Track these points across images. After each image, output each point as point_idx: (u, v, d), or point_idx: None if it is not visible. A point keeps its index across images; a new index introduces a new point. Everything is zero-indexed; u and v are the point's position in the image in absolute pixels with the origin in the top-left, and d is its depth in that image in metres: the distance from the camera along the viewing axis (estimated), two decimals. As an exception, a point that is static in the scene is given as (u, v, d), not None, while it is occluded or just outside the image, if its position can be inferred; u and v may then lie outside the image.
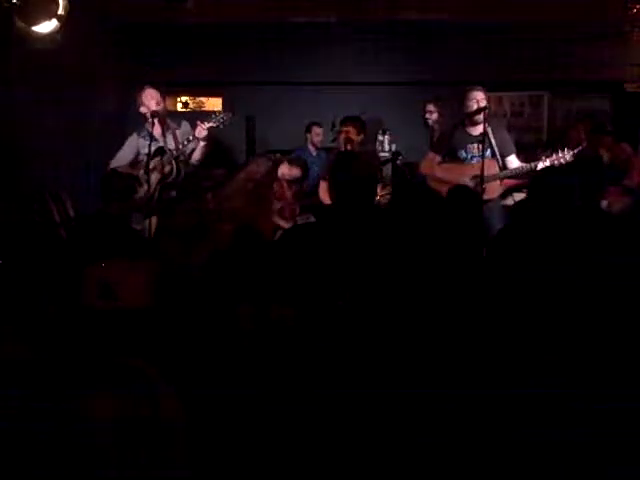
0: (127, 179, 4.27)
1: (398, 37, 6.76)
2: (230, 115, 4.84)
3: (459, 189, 3.90)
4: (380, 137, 6.95)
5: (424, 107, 6.45)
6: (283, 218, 5.19)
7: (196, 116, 6.65)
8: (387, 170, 6.32)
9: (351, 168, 2.76)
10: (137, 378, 1.10)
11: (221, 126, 4.81)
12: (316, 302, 1.93)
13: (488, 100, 4.92)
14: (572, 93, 7.41)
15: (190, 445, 1.14)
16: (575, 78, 7.05)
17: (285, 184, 5.37)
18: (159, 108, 4.85)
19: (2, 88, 5.03)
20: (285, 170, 5.36)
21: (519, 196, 5.14)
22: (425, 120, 6.46)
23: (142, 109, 4.88)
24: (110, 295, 1.65)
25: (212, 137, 4.93)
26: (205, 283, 2.67)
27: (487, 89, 4.99)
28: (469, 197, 3.29)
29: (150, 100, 4.84)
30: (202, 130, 4.75)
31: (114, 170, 4.51)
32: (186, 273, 2.76)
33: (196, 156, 4.91)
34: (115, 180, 4.06)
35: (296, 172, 5.50)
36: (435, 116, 6.35)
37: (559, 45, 6.59)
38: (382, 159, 6.65)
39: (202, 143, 4.83)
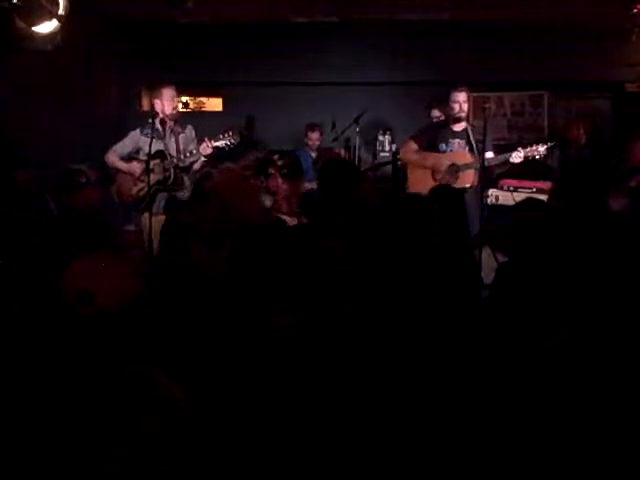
0: (73, 173, 4.28)
1: (398, 37, 6.76)
2: (238, 138, 4.83)
3: (442, 188, 3.93)
4: (380, 137, 6.96)
5: (428, 114, 6.43)
6: (283, 213, 5.23)
7: (196, 116, 6.67)
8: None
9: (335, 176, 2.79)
10: (145, 387, 1.09)
11: (226, 148, 4.80)
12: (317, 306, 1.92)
13: (468, 98, 5.00)
14: (572, 93, 7.41)
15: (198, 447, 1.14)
16: (575, 78, 7.04)
17: (279, 178, 5.42)
18: (175, 111, 4.86)
19: (2, 88, 5.04)
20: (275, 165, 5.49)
21: (519, 196, 5.14)
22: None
23: (158, 105, 4.87)
24: (89, 300, 1.63)
25: (214, 155, 4.92)
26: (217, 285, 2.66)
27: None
28: (452, 196, 3.29)
29: (169, 101, 4.84)
30: (207, 148, 4.75)
31: (67, 168, 4.50)
32: (205, 275, 2.75)
33: (196, 167, 4.94)
34: (63, 174, 4.11)
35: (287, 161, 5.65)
36: (443, 119, 6.34)
37: (560, 45, 6.58)
38: (382, 159, 6.67)
39: (203, 158, 4.85)
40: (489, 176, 5.14)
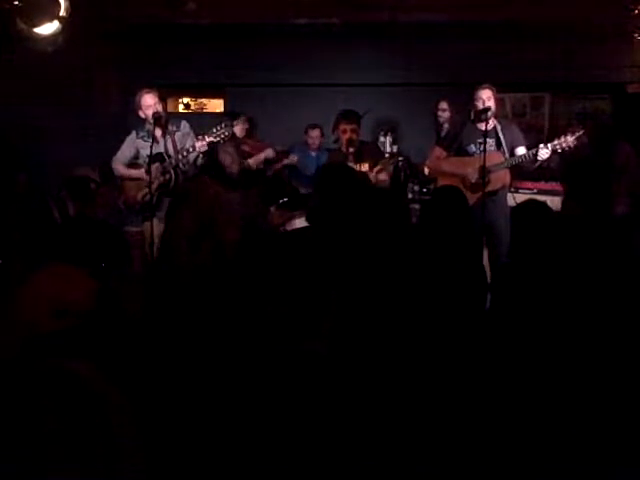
0: (83, 181, 4.28)
1: (399, 38, 6.76)
2: (232, 130, 4.86)
3: (444, 189, 3.93)
4: (382, 138, 6.94)
5: (436, 105, 6.43)
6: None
7: (197, 117, 6.68)
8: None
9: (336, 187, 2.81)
10: (78, 384, 1.07)
11: (221, 141, 4.82)
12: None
13: (494, 96, 4.94)
14: (573, 94, 7.41)
15: (150, 444, 1.12)
16: (576, 79, 7.04)
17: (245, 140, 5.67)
18: (157, 111, 4.82)
19: (3, 89, 5.04)
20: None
21: (520, 197, 5.13)
22: (436, 117, 6.45)
23: (141, 114, 4.87)
24: (65, 314, 1.63)
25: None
26: (213, 281, 2.66)
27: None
28: (454, 196, 3.29)
29: (148, 106, 4.81)
30: (203, 145, 4.77)
31: (71, 175, 4.51)
32: (192, 271, 2.76)
33: (198, 162, 4.95)
34: (72, 183, 4.10)
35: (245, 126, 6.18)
36: (447, 114, 6.35)
37: (560, 46, 6.58)
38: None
39: (202, 154, 4.87)
40: (524, 172, 5.04)
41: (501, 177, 4.87)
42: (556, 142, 4.68)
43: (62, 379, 1.05)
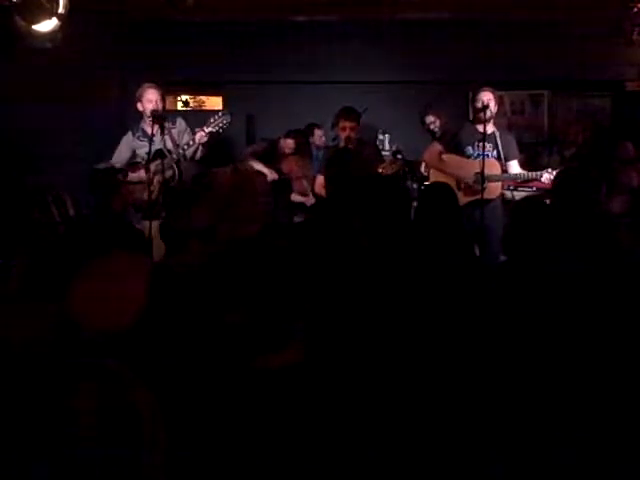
0: (108, 174, 4.27)
1: (399, 36, 6.76)
2: (229, 119, 4.84)
3: (435, 185, 3.94)
4: (381, 136, 6.94)
5: (423, 119, 6.40)
6: (298, 194, 5.63)
7: (196, 115, 6.67)
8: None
9: (346, 165, 2.78)
10: (112, 379, 1.08)
11: (221, 130, 4.81)
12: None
13: (495, 99, 4.97)
14: (572, 92, 7.41)
15: (168, 435, 1.12)
16: (576, 77, 7.04)
17: (291, 158, 5.56)
18: (158, 108, 4.82)
19: (2, 87, 5.04)
20: (282, 144, 5.96)
21: (519, 195, 5.14)
22: (430, 130, 6.41)
23: (140, 107, 4.87)
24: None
25: (212, 137, 4.92)
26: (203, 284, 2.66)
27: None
28: (445, 194, 3.29)
29: (150, 101, 4.80)
30: (203, 136, 4.76)
31: (95, 169, 4.51)
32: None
33: (198, 155, 4.93)
34: (98, 178, 4.09)
35: (289, 143, 5.98)
36: (438, 123, 6.32)
37: (559, 44, 6.58)
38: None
39: (202, 147, 4.85)
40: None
41: (496, 188, 4.93)
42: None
43: (103, 379, 1.06)
